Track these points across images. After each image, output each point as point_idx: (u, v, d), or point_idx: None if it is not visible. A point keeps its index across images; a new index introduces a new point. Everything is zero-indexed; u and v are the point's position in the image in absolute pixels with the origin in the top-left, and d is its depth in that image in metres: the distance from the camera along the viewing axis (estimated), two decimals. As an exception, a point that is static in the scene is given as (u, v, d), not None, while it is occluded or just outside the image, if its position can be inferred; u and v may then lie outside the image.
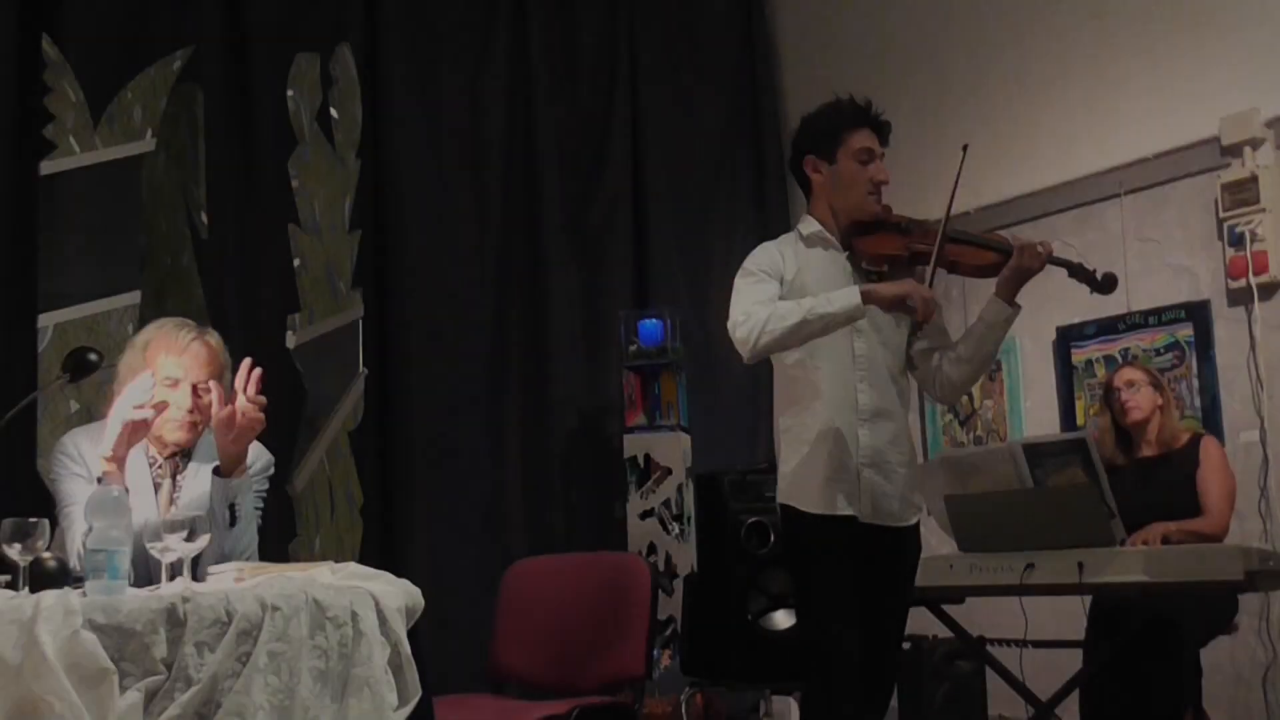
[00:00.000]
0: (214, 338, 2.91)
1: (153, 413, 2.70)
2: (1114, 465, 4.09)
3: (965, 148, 3.01)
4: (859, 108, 3.09)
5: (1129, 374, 4.14)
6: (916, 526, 3.08)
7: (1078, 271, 3.02)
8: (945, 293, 4.98)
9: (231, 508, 2.74)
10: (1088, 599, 3.91)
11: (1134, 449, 4.11)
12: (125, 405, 2.68)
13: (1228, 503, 3.95)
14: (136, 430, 2.70)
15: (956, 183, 2.98)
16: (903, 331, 3.09)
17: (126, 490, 2.71)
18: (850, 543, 2.95)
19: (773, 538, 4.65)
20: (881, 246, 3.03)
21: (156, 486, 2.83)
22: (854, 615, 2.92)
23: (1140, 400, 4.06)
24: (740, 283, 3.04)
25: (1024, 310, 3.03)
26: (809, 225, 3.11)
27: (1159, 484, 3.99)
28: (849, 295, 2.84)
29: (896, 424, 3.03)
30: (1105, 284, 3.03)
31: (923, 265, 3.00)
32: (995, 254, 3.03)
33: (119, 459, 2.68)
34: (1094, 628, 3.95)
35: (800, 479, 3.00)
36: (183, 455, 2.89)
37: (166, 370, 2.80)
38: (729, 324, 2.95)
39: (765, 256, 3.08)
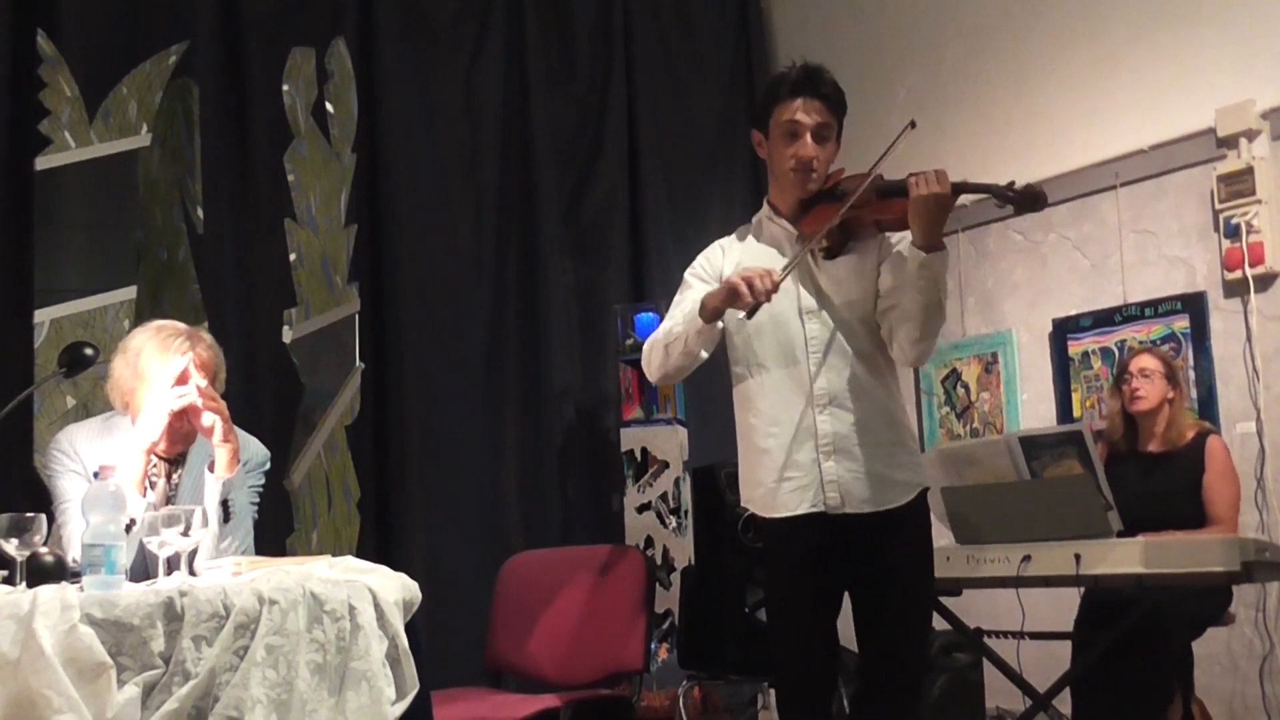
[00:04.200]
0: (204, 347, 2.87)
1: (195, 395, 2.73)
2: (1117, 454, 4.09)
3: (912, 123, 2.69)
4: (788, 76, 2.77)
5: (1145, 361, 4.09)
6: (914, 507, 2.79)
7: (992, 191, 2.65)
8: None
9: (225, 504, 2.75)
10: (1082, 591, 3.91)
11: (1139, 440, 4.11)
12: (167, 396, 2.72)
13: (1236, 510, 3.94)
14: (180, 416, 2.75)
15: (889, 150, 2.67)
16: (869, 303, 2.78)
17: (156, 483, 2.74)
18: (826, 542, 2.73)
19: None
20: (819, 221, 2.73)
21: (152, 485, 2.84)
22: (820, 626, 2.77)
23: (1150, 391, 4.03)
24: (675, 298, 2.91)
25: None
26: (761, 211, 2.92)
27: (1161, 480, 3.99)
28: (695, 306, 2.69)
29: (866, 406, 2.75)
30: (1027, 198, 2.62)
31: (869, 231, 2.74)
32: (903, 197, 2.64)
33: (153, 449, 2.75)
34: (1084, 620, 3.95)
35: (751, 484, 2.84)
36: (178, 455, 2.89)
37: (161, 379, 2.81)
38: None
39: (701, 259, 2.94)
